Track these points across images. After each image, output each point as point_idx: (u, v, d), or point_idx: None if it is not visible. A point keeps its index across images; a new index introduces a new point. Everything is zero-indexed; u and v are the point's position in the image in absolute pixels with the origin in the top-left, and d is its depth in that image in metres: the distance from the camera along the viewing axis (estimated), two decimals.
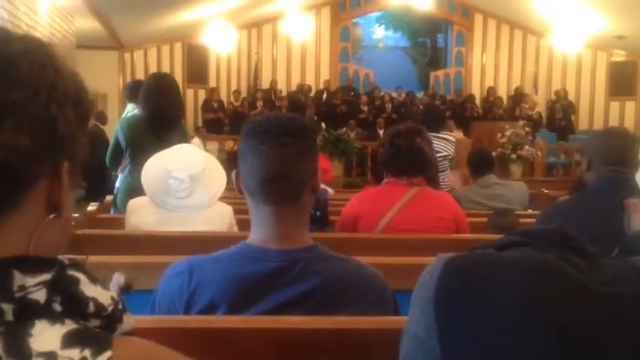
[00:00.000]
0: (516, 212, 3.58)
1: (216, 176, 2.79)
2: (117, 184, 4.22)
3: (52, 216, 0.71)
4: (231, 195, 3.63)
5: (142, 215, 2.76)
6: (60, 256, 0.69)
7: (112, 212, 4.02)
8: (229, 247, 1.48)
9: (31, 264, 0.65)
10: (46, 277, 0.65)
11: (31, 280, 0.64)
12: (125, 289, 1.45)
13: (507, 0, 13.86)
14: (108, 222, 3.31)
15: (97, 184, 7.01)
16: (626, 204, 1.85)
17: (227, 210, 2.85)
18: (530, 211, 4.38)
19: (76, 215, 3.32)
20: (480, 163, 4.47)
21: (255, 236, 1.47)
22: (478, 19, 15.61)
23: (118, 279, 1.47)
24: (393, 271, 1.70)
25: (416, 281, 0.92)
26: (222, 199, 2.88)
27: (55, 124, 0.69)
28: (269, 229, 1.45)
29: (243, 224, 2.66)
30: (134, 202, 2.87)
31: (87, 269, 0.70)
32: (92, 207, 3.74)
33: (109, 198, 4.30)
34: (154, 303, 1.49)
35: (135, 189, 3.23)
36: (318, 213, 2.95)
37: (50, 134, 0.68)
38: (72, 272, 0.68)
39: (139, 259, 2.11)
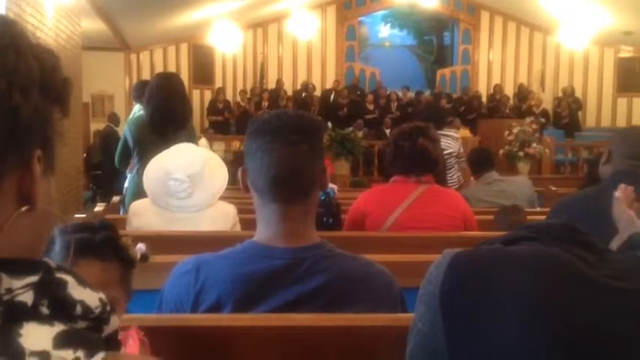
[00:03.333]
0: (523, 209, 3.56)
1: (217, 174, 2.77)
2: (125, 185, 4.23)
3: (23, 208, 0.65)
4: (236, 195, 3.64)
5: (145, 217, 2.76)
6: (47, 259, 0.66)
7: (121, 213, 4.03)
8: (235, 246, 1.48)
9: (17, 266, 0.62)
10: (32, 279, 0.62)
11: (17, 283, 0.61)
12: (141, 260, 1.50)
13: None
14: (115, 223, 3.30)
15: (113, 185, 7.00)
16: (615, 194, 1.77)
17: (230, 209, 2.83)
18: (539, 208, 4.37)
19: (83, 216, 3.33)
20: (480, 161, 4.50)
21: (261, 234, 1.46)
22: (484, 16, 15.55)
23: (140, 247, 1.53)
24: (400, 268, 1.69)
25: (423, 279, 0.91)
26: (226, 198, 2.86)
27: (17, 114, 0.62)
28: (275, 226, 1.44)
29: (248, 223, 2.65)
30: (136, 205, 2.86)
31: (75, 271, 0.67)
32: (99, 207, 3.75)
33: (116, 198, 4.30)
34: (160, 302, 1.49)
35: (143, 189, 3.24)
36: (331, 220, 2.92)
37: (13, 126, 0.62)
38: (59, 275, 0.65)
39: None
